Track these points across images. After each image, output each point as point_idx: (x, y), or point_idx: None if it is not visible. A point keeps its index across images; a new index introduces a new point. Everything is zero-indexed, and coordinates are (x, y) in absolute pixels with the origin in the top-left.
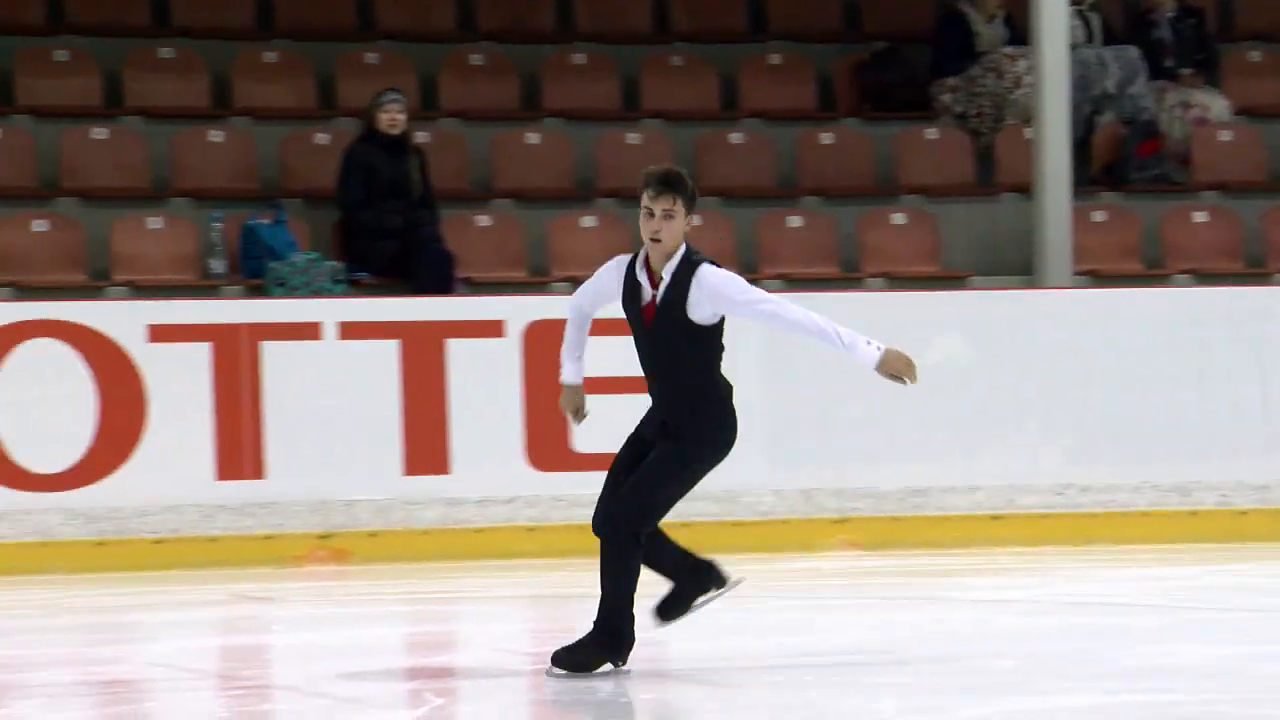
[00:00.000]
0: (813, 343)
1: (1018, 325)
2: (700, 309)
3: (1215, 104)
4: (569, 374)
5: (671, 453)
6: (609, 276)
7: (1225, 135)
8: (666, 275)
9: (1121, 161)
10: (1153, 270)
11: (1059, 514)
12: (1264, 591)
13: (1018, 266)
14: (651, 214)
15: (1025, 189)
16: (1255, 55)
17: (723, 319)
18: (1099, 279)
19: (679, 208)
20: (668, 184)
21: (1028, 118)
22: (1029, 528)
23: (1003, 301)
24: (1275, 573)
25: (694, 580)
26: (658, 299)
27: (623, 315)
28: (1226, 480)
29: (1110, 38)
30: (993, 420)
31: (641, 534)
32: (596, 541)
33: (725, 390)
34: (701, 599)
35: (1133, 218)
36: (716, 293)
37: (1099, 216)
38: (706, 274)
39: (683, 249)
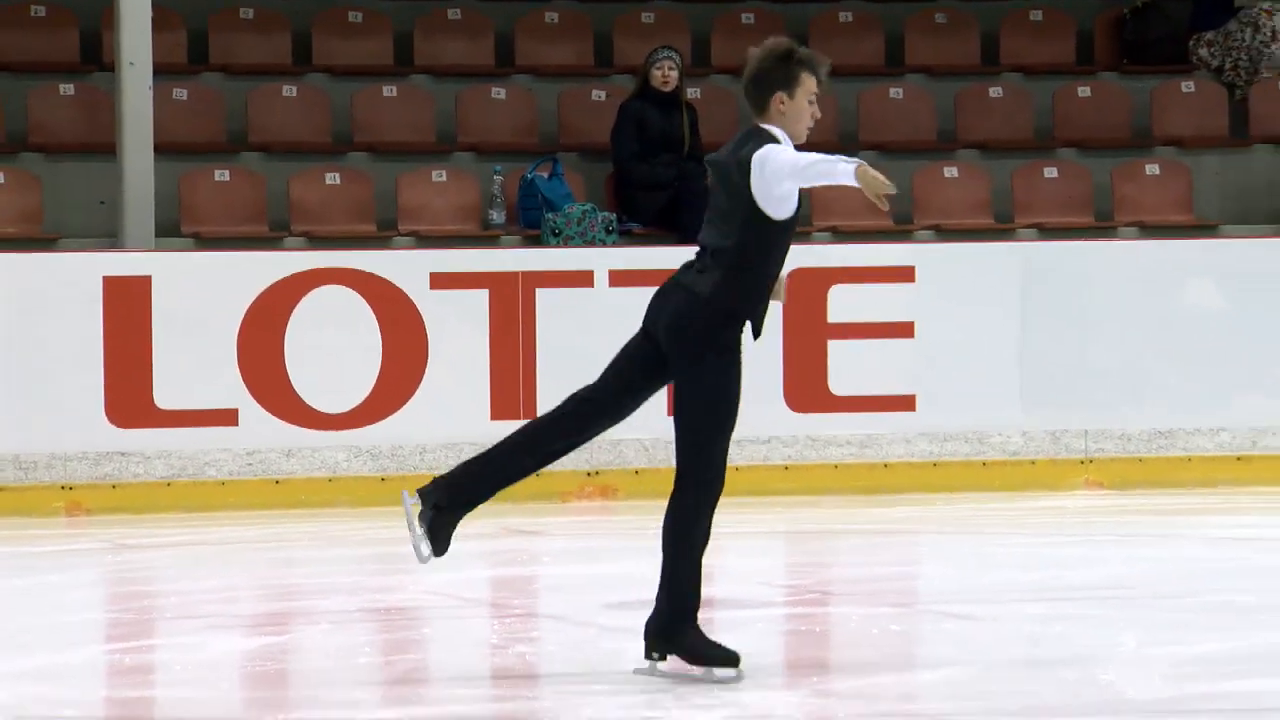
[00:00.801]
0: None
1: (1269, 274)
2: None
3: None
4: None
5: None
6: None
7: None
8: None
9: None
10: None
11: None
12: None
13: (1270, 216)
14: (814, 100)
15: (1279, 141)
16: None
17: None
18: None
19: None
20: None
21: None
22: (1273, 469)
23: (1254, 250)
24: None
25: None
26: None
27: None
28: None
29: None
30: (1240, 365)
31: None
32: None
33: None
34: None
35: None
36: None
37: None
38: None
39: None
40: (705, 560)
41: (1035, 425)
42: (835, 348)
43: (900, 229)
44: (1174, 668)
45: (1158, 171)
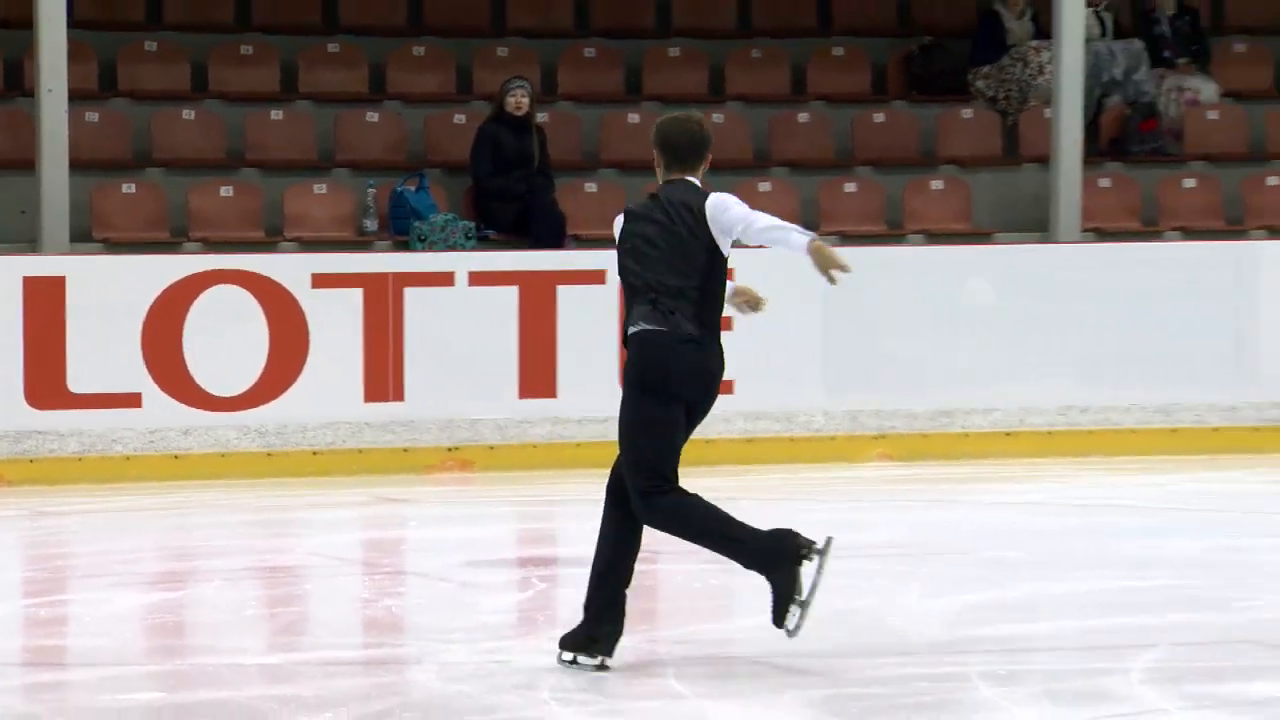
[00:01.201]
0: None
1: (1033, 274)
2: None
3: (1206, 88)
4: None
5: None
6: None
7: (1213, 115)
8: None
9: (1125, 137)
10: (1148, 228)
11: (1062, 431)
12: (1237, 495)
13: (1036, 225)
14: None
15: (1044, 160)
16: (1241, 47)
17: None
18: (1103, 235)
19: None
20: None
21: (1048, 100)
22: (1037, 443)
23: (1021, 254)
24: (1246, 479)
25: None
26: None
27: None
28: (1201, 403)
29: (1119, 32)
30: (1009, 353)
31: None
32: None
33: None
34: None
35: (1133, 184)
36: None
37: (1105, 183)
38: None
39: None
40: (549, 523)
41: (836, 406)
42: None
43: None
44: (951, 615)
45: (941, 187)
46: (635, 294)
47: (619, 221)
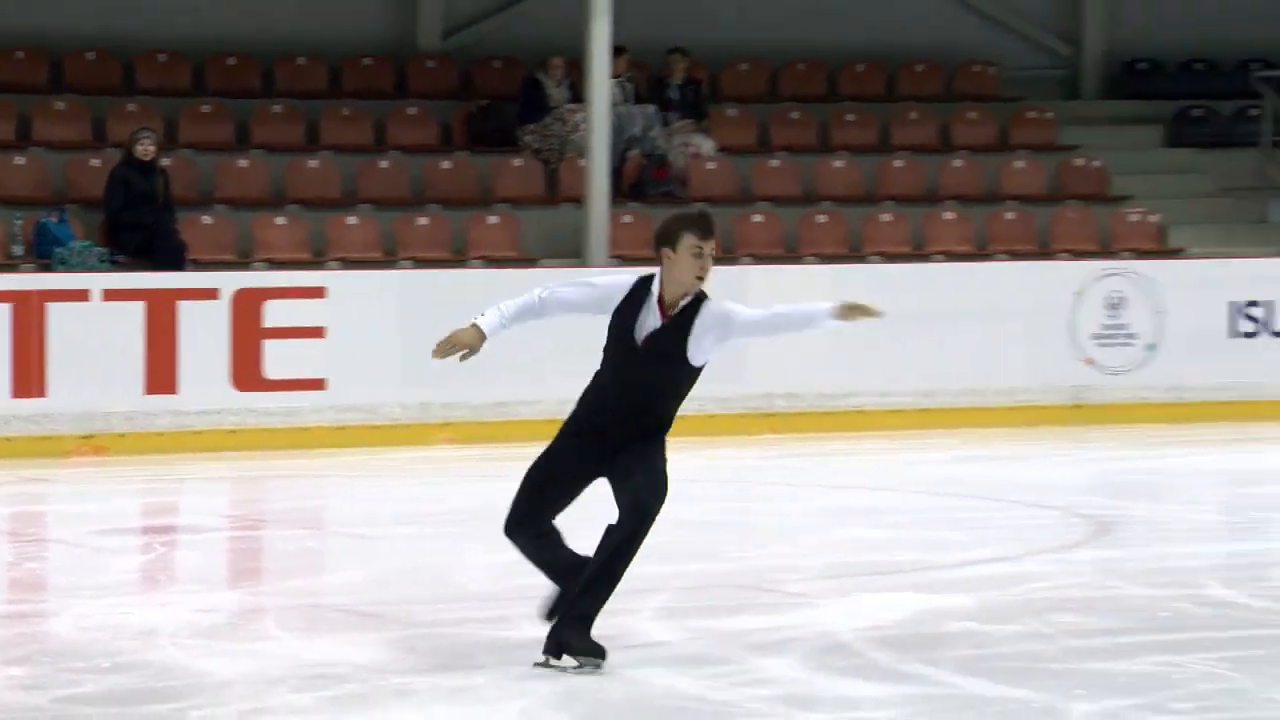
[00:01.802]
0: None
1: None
2: (700, 341)
3: (705, 144)
4: (492, 324)
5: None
6: (619, 292)
7: (711, 165)
8: (678, 307)
9: (642, 182)
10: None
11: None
12: (733, 470)
13: (573, 252)
14: (701, 254)
15: (579, 200)
16: (733, 111)
17: (701, 368)
18: (626, 260)
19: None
20: (712, 228)
21: (581, 152)
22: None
23: (563, 276)
24: (739, 457)
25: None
26: (663, 326)
27: None
28: (704, 395)
29: (638, 98)
30: (553, 353)
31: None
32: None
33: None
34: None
35: (649, 219)
36: (723, 314)
37: (627, 219)
38: (712, 303)
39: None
40: (171, 499)
41: (410, 398)
42: (269, 345)
43: (315, 261)
44: (501, 569)
45: (497, 221)
46: None
47: None
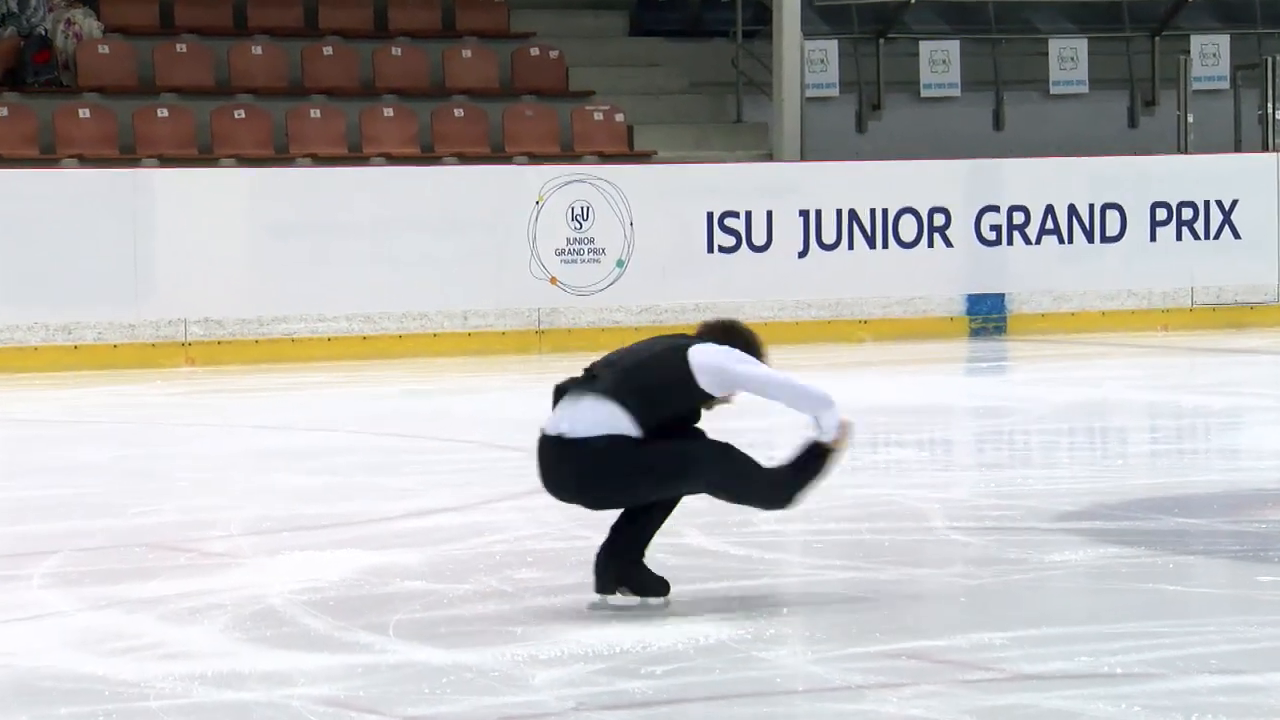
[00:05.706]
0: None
1: None
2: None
3: (89, 23)
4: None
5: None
6: None
7: (104, 49)
8: None
9: (21, 68)
10: (46, 155)
11: None
12: (138, 407)
13: None
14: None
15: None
16: None
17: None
18: (3, 162)
19: None
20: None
21: None
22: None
23: None
24: (145, 392)
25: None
26: None
27: None
28: (102, 321)
29: None
30: None
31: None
32: None
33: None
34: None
35: (30, 113)
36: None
37: (3, 112)
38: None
39: None
40: None
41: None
42: None
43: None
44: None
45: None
46: None
47: None
